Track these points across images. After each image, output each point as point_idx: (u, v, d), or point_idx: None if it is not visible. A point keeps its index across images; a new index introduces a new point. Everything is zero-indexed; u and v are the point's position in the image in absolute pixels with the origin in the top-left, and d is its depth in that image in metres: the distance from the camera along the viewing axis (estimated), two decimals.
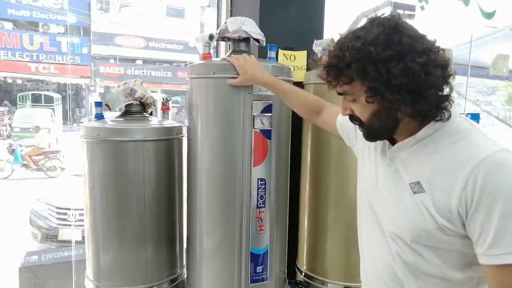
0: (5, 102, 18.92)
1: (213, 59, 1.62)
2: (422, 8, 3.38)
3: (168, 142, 1.75)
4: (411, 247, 0.87)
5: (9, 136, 15.71)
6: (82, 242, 5.10)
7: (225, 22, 1.62)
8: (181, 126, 1.81)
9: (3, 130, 16.54)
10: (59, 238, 5.29)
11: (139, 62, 22.59)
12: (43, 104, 17.24)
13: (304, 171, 1.93)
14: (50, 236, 5.32)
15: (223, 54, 2.23)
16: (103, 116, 1.76)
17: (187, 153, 1.70)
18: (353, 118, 0.96)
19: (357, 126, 1.12)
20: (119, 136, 1.64)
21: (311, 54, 1.98)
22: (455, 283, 0.87)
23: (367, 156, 1.05)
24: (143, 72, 22.18)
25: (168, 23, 21.98)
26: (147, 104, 1.81)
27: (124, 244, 1.69)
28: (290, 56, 2.04)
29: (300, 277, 1.95)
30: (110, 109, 1.75)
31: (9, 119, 16.47)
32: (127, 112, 1.79)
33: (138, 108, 1.80)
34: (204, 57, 1.61)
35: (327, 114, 1.33)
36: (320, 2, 2.12)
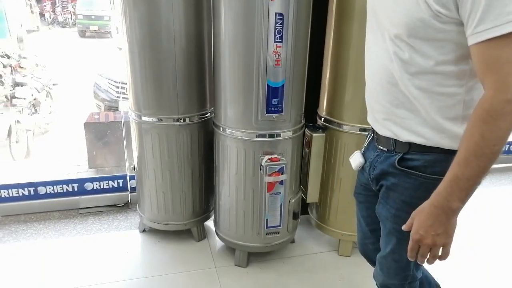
0: None
1: None
2: None
3: None
4: (408, 43, 0.90)
5: (74, 24, 16.42)
6: None
7: None
8: None
9: (68, 18, 17.25)
10: (119, 109, 5.84)
11: None
12: None
13: (330, 18, 1.94)
14: (111, 107, 5.88)
15: None
16: None
17: None
18: None
19: None
20: None
21: None
22: (449, 77, 0.91)
23: None
24: None
25: None
26: None
27: (157, 75, 1.89)
28: None
29: (320, 122, 2.10)
30: None
31: (72, 6, 17.01)
32: None
33: None
34: None
35: None
36: None
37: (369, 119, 1.14)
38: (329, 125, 2.02)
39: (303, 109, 1.95)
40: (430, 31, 0.87)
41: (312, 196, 2.15)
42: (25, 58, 6.14)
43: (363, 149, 1.21)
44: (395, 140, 1.03)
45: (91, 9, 15.00)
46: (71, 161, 4.36)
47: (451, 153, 0.94)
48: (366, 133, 1.91)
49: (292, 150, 1.89)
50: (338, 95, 1.97)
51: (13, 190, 2.37)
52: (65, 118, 5.80)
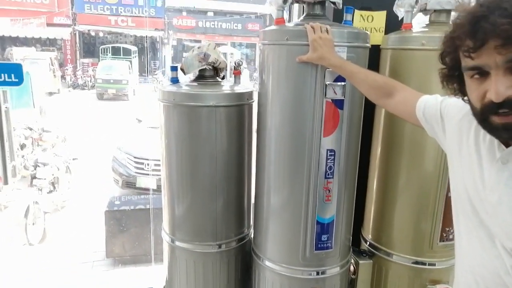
0: None
1: (286, 24, 1.58)
2: None
3: (239, 107, 1.78)
4: None
5: (93, 87, 17.02)
6: (157, 190, 5.52)
7: None
8: (251, 92, 1.82)
9: (88, 81, 17.90)
10: (137, 185, 5.78)
11: (210, 14, 22.67)
12: (121, 56, 18.24)
13: (375, 139, 1.86)
14: (129, 183, 5.83)
15: (295, 17, 2.16)
16: (178, 80, 1.82)
17: (257, 118, 1.72)
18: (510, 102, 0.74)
19: (445, 120, 1.01)
20: (193, 101, 1.69)
21: (391, 15, 1.84)
22: None
23: (465, 154, 0.92)
24: (214, 25, 22.31)
25: None
26: (220, 68, 1.83)
27: (196, 199, 1.80)
28: (368, 17, 1.91)
29: (365, 246, 1.95)
30: (184, 73, 1.80)
31: (92, 70, 17.72)
32: (201, 77, 1.83)
33: (211, 73, 1.83)
34: (277, 22, 1.57)
35: (401, 98, 1.21)
36: None
37: None
38: (376, 251, 1.87)
39: (351, 232, 1.82)
40: None
41: None
42: (47, 131, 6.21)
43: None
44: None
45: (110, 73, 15.59)
46: (87, 246, 4.21)
47: None
48: (420, 266, 1.81)
49: (341, 285, 1.73)
50: (386, 219, 1.84)
51: None
52: (83, 195, 5.73)
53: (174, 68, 1.83)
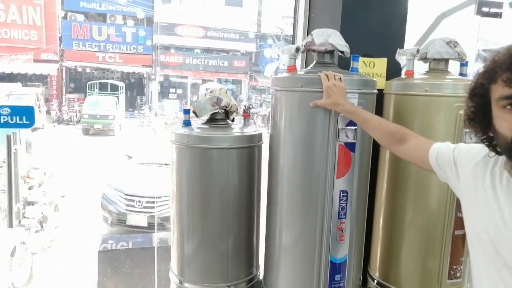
0: None
1: (298, 72, 1.67)
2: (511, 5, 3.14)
3: (250, 149, 1.83)
4: None
5: (78, 122, 16.91)
6: (148, 228, 5.42)
7: (311, 35, 1.65)
8: (261, 133, 1.88)
9: (73, 116, 17.79)
10: (127, 223, 5.67)
11: (197, 51, 23.15)
12: (108, 92, 18.31)
13: (381, 175, 1.92)
14: (119, 220, 5.71)
15: (299, 65, 2.26)
16: (190, 122, 1.87)
17: (269, 159, 1.77)
18: None
19: (459, 166, 1.07)
20: (206, 143, 1.74)
21: (391, 62, 1.96)
22: None
23: (482, 198, 0.96)
24: (201, 61, 22.76)
25: (226, 12, 22.25)
26: (231, 112, 1.90)
27: (206, 238, 1.80)
28: (370, 63, 2.03)
29: (372, 284, 1.97)
30: (197, 116, 1.86)
31: (78, 105, 17.67)
32: (212, 119, 1.88)
33: (222, 116, 1.89)
34: (290, 70, 1.66)
35: (413, 145, 1.28)
36: (402, 7, 2.07)
37: None
38: None
39: (362, 271, 1.84)
40: None
41: None
42: (35, 168, 6.11)
43: None
44: None
45: (97, 108, 15.56)
46: None
47: None
48: None
49: None
50: (393, 257, 1.87)
51: None
52: (70, 234, 5.58)
53: (186, 111, 1.89)
